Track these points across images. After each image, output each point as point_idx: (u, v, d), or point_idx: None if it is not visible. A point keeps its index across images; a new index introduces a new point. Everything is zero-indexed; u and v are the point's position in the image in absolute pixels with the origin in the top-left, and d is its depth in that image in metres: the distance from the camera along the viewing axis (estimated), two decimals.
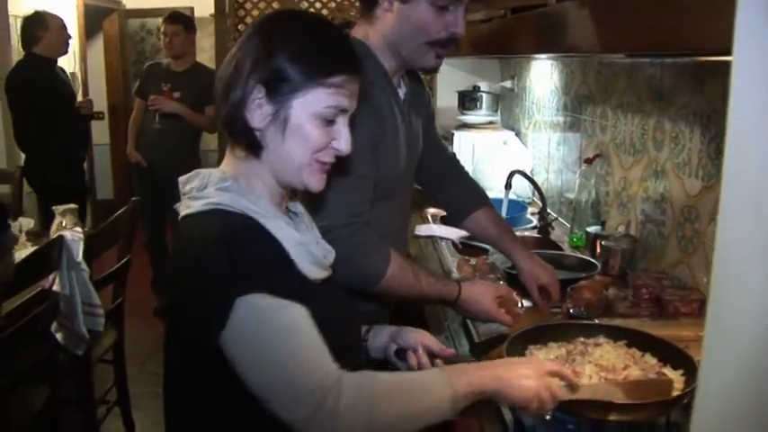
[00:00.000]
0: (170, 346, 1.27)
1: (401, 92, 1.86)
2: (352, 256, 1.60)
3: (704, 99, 2.04)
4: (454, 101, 4.34)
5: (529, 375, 1.25)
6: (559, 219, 3.24)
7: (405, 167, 1.87)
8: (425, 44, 1.72)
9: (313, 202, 1.43)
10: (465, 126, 4.11)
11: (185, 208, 1.27)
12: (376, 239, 1.70)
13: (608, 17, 1.55)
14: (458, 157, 2.32)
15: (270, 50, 1.23)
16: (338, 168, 1.35)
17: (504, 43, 2.52)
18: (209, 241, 1.17)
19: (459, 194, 2.17)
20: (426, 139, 2.05)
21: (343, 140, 1.27)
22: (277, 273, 1.18)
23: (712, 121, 2.00)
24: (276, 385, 1.12)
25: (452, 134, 3.94)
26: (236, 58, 1.26)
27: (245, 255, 1.15)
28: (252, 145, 1.26)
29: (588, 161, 2.82)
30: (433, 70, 1.81)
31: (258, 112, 1.24)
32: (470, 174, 2.30)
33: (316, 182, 1.29)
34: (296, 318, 1.15)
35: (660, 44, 1.31)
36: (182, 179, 1.33)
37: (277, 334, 1.13)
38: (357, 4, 5.46)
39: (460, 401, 1.21)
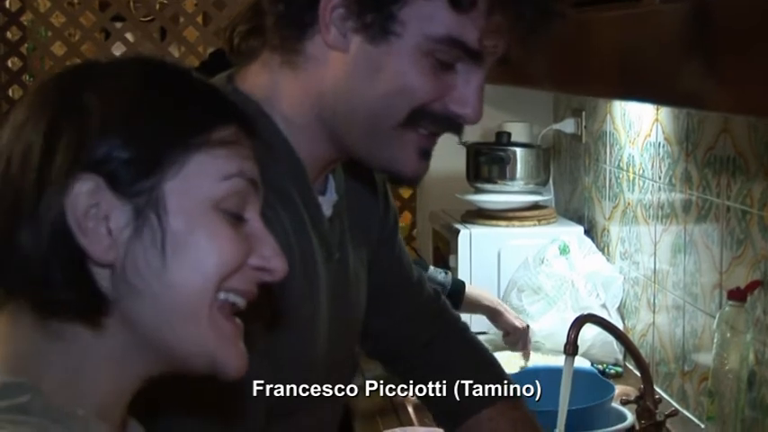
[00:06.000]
0: None
1: (327, 202, 1.20)
2: None
3: None
4: (459, 162, 2.97)
5: None
6: (681, 410, 2.07)
7: (324, 363, 1.21)
8: (398, 123, 1.08)
9: None
10: (481, 215, 2.78)
11: None
12: None
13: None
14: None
15: (101, 121, 0.76)
16: None
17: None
18: None
19: (450, 377, 1.45)
20: (386, 276, 1.38)
21: (269, 247, 0.79)
22: None
23: None
24: None
25: (456, 230, 2.64)
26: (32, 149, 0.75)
27: None
28: (102, 307, 0.75)
29: (738, 294, 1.97)
30: (413, 180, 1.21)
31: (102, 229, 0.74)
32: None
33: (232, 347, 0.78)
34: None
35: None
36: None
37: None
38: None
39: None
